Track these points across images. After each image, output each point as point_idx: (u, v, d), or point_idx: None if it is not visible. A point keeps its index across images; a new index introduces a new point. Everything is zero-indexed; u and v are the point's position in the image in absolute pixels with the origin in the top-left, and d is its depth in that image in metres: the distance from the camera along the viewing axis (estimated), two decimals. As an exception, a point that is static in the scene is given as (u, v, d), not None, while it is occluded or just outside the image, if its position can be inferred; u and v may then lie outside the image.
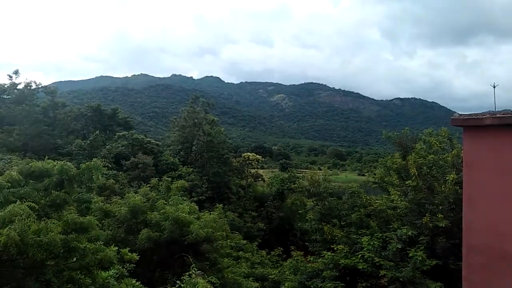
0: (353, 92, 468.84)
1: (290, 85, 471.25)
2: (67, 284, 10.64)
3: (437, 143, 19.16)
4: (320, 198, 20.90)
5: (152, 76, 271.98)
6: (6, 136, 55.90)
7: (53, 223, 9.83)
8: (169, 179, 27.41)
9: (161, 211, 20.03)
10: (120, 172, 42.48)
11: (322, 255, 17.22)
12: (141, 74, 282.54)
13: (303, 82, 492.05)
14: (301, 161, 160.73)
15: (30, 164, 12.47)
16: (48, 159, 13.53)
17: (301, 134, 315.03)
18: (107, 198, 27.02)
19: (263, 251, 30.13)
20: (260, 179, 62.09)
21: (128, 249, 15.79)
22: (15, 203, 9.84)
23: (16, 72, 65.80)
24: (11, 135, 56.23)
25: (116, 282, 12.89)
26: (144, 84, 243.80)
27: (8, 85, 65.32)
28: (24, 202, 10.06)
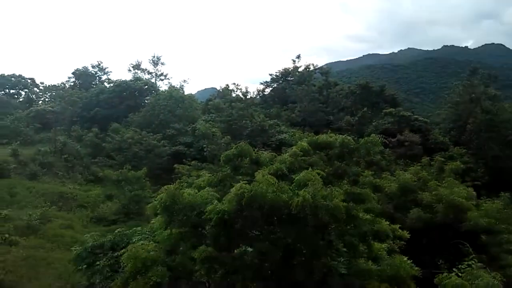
0: None
1: None
2: (346, 248, 11.61)
3: None
4: None
5: (419, 49, 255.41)
6: (290, 113, 65.94)
7: (337, 191, 10.78)
8: (442, 159, 25.42)
9: (433, 192, 18.95)
10: (387, 149, 42.58)
11: None
12: (408, 48, 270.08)
13: None
14: None
15: (316, 137, 14.10)
16: (323, 133, 15.00)
17: None
18: (374, 173, 27.63)
19: None
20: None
21: (398, 225, 15.76)
22: (307, 169, 11.36)
23: (298, 57, 76.53)
24: (293, 111, 65.81)
25: (387, 256, 13.12)
26: (410, 59, 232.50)
27: (292, 68, 76.50)
28: (313, 169, 11.48)
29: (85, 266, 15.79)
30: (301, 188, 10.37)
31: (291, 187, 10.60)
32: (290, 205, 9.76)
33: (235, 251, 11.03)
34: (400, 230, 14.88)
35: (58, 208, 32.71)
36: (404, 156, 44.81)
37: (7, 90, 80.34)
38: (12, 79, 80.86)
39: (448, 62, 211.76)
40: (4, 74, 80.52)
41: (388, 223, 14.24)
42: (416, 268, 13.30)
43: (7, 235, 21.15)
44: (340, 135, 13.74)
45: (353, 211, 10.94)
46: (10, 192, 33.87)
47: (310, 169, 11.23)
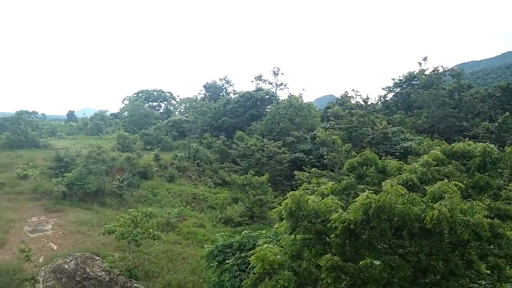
0: None
1: None
2: (489, 270, 10.33)
3: None
4: None
5: None
6: (415, 119, 61.52)
7: (478, 205, 9.70)
8: None
9: None
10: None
11: None
12: None
13: None
14: None
15: (451, 145, 12.94)
16: (454, 141, 13.62)
17: None
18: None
19: None
20: None
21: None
22: (442, 180, 10.48)
23: (424, 59, 71.12)
24: (419, 117, 61.22)
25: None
26: None
27: (417, 71, 71.40)
28: (450, 180, 10.53)
29: (215, 263, 17.11)
30: (436, 201, 9.61)
31: (423, 199, 9.92)
32: (423, 219, 9.13)
33: (361, 262, 10.73)
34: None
35: (192, 208, 36.25)
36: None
37: (150, 103, 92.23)
38: (154, 93, 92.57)
39: None
40: (148, 89, 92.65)
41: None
42: None
43: (151, 230, 24.13)
44: (480, 143, 12.39)
45: (499, 229, 9.69)
46: (153, 192, 38.73)
47: (445, 180, 10.34)
